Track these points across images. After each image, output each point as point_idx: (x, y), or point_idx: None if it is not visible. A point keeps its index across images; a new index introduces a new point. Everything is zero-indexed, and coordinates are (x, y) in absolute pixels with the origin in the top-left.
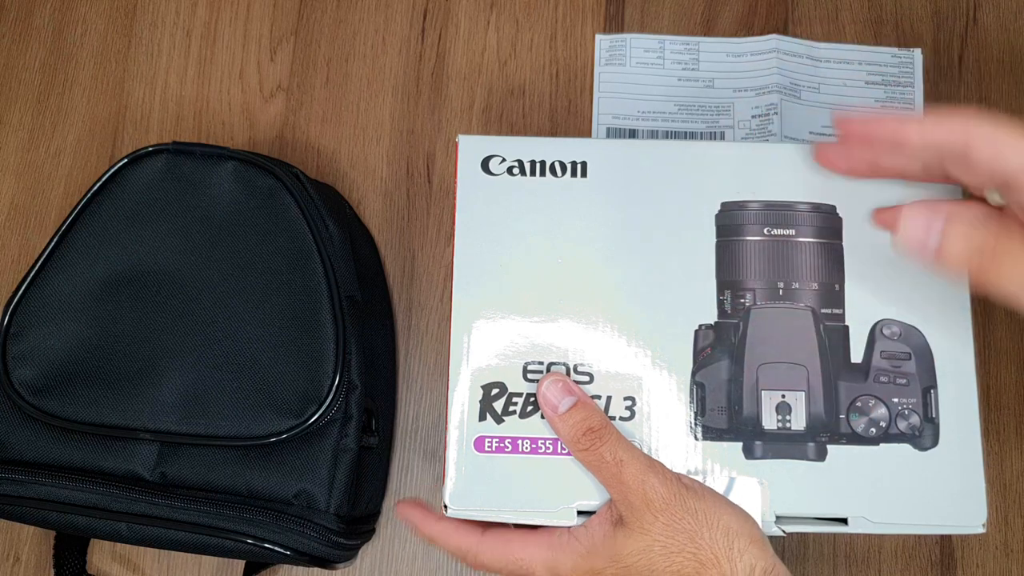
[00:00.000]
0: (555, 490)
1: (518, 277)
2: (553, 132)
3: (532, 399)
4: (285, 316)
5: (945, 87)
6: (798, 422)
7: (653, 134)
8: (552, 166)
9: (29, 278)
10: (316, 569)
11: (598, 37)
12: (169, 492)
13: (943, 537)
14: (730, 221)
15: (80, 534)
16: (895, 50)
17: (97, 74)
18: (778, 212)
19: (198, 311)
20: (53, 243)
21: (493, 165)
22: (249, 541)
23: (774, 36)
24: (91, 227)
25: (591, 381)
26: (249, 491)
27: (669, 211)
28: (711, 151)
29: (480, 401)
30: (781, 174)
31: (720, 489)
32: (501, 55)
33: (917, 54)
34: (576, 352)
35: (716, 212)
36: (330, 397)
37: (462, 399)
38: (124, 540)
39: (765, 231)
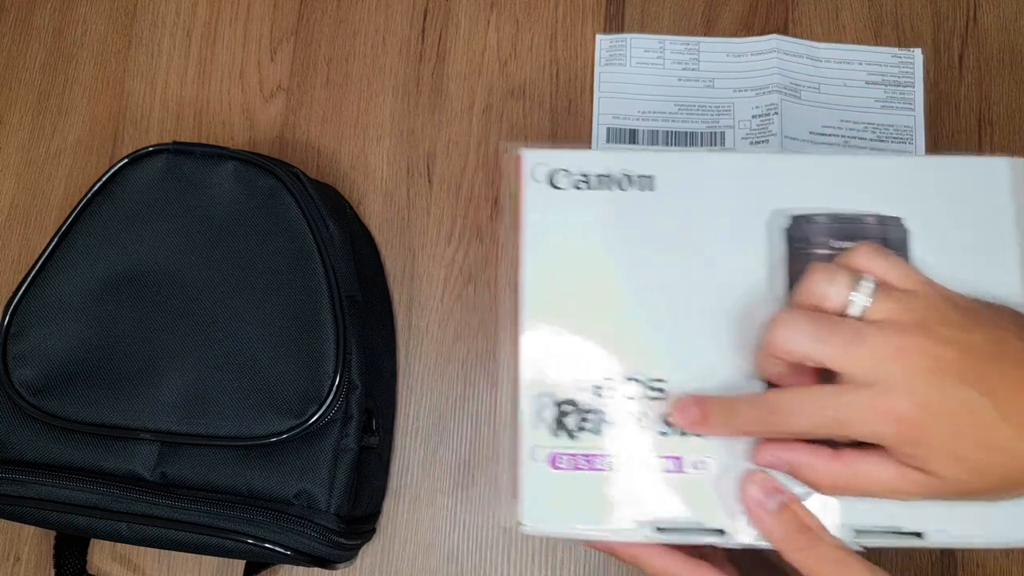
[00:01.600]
0: (631, 507)
1: (587, 291)
2: (553, 132)
3: (605, 415)
4: (285, 316)
5: (945, 87)
6: None
7: (653, 134)
8: (619, 179)
9: (29, 278)
10: (316, 569)
11: (598, 37)
12: (169, 492)
13: None
14: (798, 233)
15: (80, 534)
16: (895, 50)
17: (97, 74)
18: (844, 224)
19: (198, 311)
20: (53, 243)
21: (559, 179)
22: (249, 541)
23: (774, 36)
24: (91, 227)
25: (664, 397)
26: (249, 491)
27: (738, 224)
28: (780, 164)
29: (553, 418)
30: (853, 186)
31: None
32: (501, 55)
33: (917, 54)
34: (648, 367)
35: (785, 225)
36: (330, 397)
37: (533, 415)
38: (124, 540)
39: (832, 243)
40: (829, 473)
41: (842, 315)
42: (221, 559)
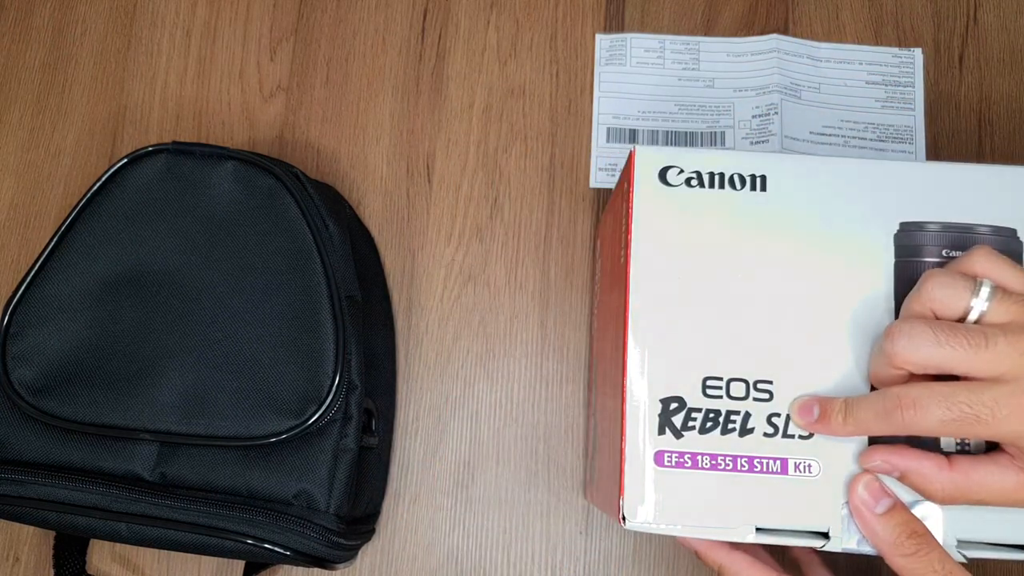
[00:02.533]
0: (735, 506)
1: (696, 290)
2: (553, 132)
3: (711, 415)
4: (285, 316)
5: (946, 86)
6: (978, 443)
7: (653, 134)
8: (731, 178)
9: (29, 278)
10: (316, 569)
11: (598, 37)
12: (169, 492)
13: None
14: (908, 241)
15: (80, 534)
16: (895, 50)
17: (97, 74)
18: (956, 234)
19: (198, 311)
20: (53, 243)
21: (671, 176)
22: (249, 541)
23: (774, 36)
24: (91, 227)
25: (771, 399)
26: (249, 491)
27: (849, 229)
28: (895, 170)
29: (659, 415)
30: (966, 195)
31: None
32: (501, 55)
33: (917, 54)
34: (756, 368)
35: (894, 232)
36: (330, 397)
37: (640, 413)
38: (124, 540)
39: (943, 252)
40: (943, 481)
41: (960, 320)
42: (221, 559)
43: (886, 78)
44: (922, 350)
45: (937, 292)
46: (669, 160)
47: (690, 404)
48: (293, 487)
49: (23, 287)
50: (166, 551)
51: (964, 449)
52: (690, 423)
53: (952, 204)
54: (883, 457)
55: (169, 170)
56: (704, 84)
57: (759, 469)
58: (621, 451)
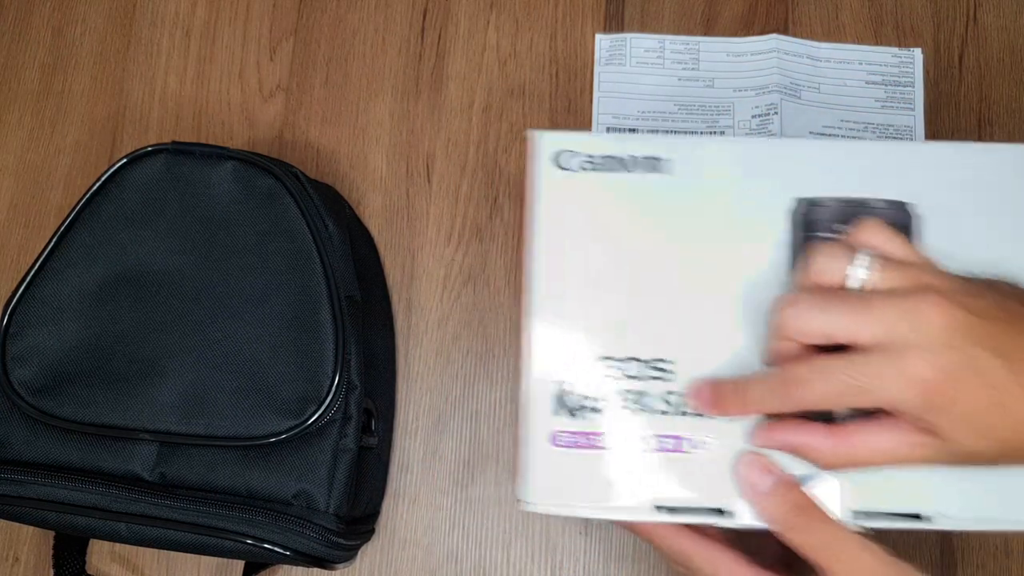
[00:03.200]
0: (632, 485)
1: (593, 272)
2: None
3: (607, 394)
4: (284, 316)
5: (945, 86)
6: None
7: (654, 134)
8: (625, 161)
9: (28, 278)
10: (315, 569)
11: (598, 37)
12: (168, 492)
13: (943, 537)
14: (805, 217)
15: (79, 534)
16: (895, 50)
17: (97, 74)
18: (848, 208)
19: (197, 311)
20: (52, 243)
21: (566, 160)
22: (248, 541)
23: (774, 36)
24: (90, 227)
25: (667, 377)
26: (249, 491)
27: (748, 208)
28: (797, 149)
29: (553, 396)
30: (872, 171)
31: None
32: (501, 55)
33: (917, 54)
34: (653, 348)
35: (792, 209)
36: (329, 397)
37: (535, 393)
38: (123, 540)
39: (836, 228)
40: (828, 448)
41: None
42: (220, 559)
43: (886, 78)
44: (807, 319)
45: (818, 263)
46: (564, 144)
47: (584, 384)
48: (293, 487)
49: (23, 287)
50: (166, 551)
51: (855, 415)
52: (584, 403)
53: (850, 179)
54: (770, 436)
55: (168, 170)
56: (704, 84)
57: (656, 447)
58: (517, 434)
